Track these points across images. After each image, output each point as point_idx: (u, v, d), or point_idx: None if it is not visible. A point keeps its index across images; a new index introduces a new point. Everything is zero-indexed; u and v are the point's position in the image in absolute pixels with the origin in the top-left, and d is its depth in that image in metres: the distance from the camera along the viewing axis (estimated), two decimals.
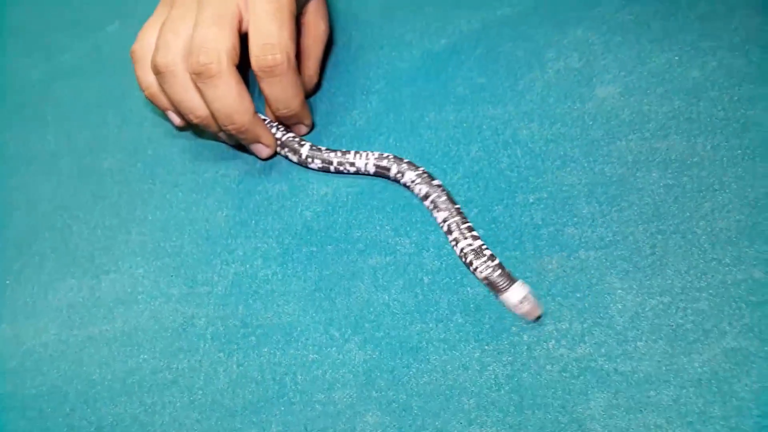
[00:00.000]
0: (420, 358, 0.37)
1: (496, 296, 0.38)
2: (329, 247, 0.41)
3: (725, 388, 0.34)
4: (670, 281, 0.37)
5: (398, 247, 0.41)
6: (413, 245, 0.41)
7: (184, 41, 0.41)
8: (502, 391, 0.35)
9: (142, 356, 0.39)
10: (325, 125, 0.46)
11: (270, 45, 0.40)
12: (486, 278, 0.38)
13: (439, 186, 0.42)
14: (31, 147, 0.49)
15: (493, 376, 0.36)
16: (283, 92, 0.42)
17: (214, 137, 0.46)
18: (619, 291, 0.37)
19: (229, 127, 0.42)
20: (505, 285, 0.38)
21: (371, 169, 0.43)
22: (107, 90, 0.51)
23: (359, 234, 0.42)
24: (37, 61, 0.53)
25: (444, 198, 0.41)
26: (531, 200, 0.41)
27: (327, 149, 0.44)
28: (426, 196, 0.42)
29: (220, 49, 0.40)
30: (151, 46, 0.44)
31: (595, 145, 0.43)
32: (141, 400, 0.38)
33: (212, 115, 0.42)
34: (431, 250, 0.40)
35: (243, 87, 0.41)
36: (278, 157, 0.46)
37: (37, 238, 0.45)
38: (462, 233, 0.40)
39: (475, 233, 0.40)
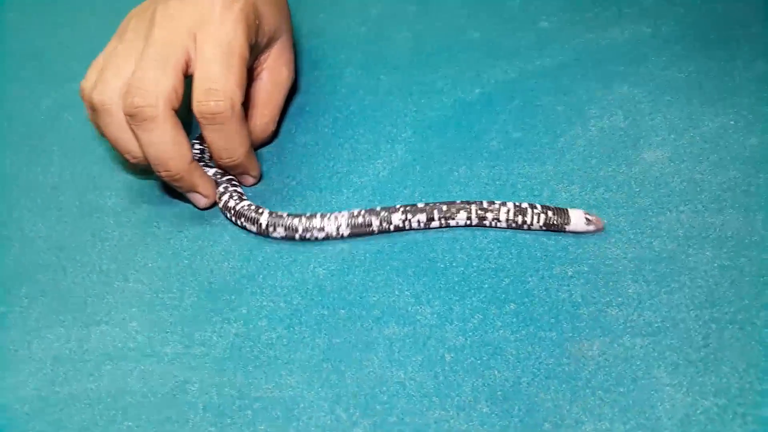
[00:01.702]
0: None
1: (561, 231, 0.36)
2: (342, 311, 0.35)
3: None
4: (726, 380, 0.30)
5: (418, 317, 0.34)
6: (435, 316, 0.34)
7: (123, 79, 0.37)
8: None
9: (126, 423, 0.32)
10: (345, 174, 0.40)
11: (214, 90, 0.36)
12: (544, 224, 0.36)
13: (430, 204, 0.37)
14: (33, 178, 0.42)
15: None
16: (225, 140, 0.37)
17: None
18: (668, 388, 0.30)
19: (162, 174, 0.37)
20: (566, 220, 0.36)
21: (345, 232, 0.37)
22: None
23: (376, 298, 0.35)
24: (49, 89, 0.47)
25: (445, 207, 0.37)
26: (570, 273, 0.34)
27: (290, 215, 0.37)
28: (430, 219, 0.37)
29: (158, 92, 0.36)
30: (93, 77, 0.38)
31: (642, 214, 0.36)
32: None
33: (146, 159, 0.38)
34: (455, 323, 0.34)
35: (180, 133, 0.37)
36: (294, 207, 0.39)
37: (28, 279, 0.38)
38: (493, 211, 0.36)
39: (501, 201, 0.37)
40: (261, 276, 0.37)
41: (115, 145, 0.38)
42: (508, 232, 0.36)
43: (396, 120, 0.42)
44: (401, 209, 0.37)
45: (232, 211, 0.38)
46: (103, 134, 0.39)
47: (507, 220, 0.36)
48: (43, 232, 0.40)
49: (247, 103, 0.41)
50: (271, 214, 0.38)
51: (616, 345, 0.32)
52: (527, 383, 0.31)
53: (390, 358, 0.33)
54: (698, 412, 0.30)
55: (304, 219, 0.37)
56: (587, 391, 0.31)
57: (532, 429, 0.30)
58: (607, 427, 0.30)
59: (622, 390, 0.31)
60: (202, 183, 0.39)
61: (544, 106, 0.41)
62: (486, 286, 0.35)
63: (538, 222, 0.36)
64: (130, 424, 0.32)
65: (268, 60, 0.42)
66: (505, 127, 0.41)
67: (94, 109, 0.38)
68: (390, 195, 0.39)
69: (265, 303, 0.36)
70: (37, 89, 0.48)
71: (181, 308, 0.36)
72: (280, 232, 0.37)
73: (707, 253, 0.34)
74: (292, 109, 0.44)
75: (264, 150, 0.42)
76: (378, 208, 0.37)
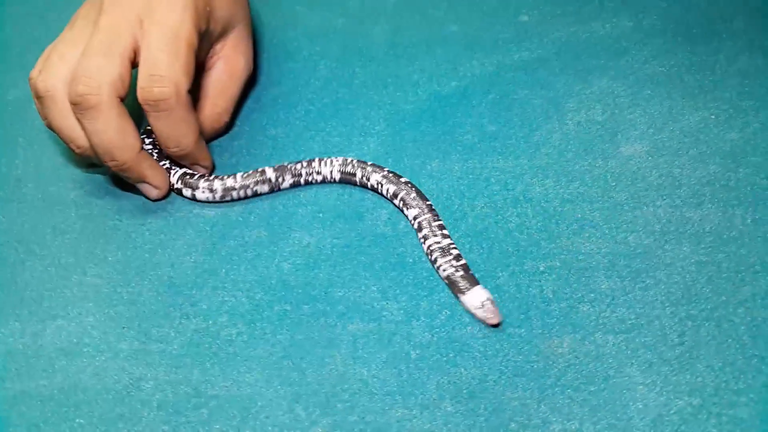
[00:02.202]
0: None
1: (456, 297, 0.33)
2: (305, 306, 0.34)
3: None
4: (701, 379, 0.29)
5: (384, 313, 0.33)
6: (402, 312, 0.33)
7: (69, 66, 0.36)
8: None
9: (77, 420, 0.31)
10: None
11: (158, 77, 0.35)
12: (448, 277, 0.33)
13: (407, 183, 0.36)
14: None
15: None
16: (171, 129, 0.36)
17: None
18: (641, 387, 0.29)
19: (109, 164, 0.36)
20: (465, 286, 0.32)
21: (337, 176, 0.38)
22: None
23: (341, 294, 0.34)
24: (15, 80, 0.46)
25: (414, 195, 0.36)
26: (541, 268, 0.33)
27: (291, 163, 0.38)
28: (395, 195, 0.36)
29: (103, 80, 0.35)
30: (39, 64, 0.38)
31: (618, 209, 0.35)
32: None
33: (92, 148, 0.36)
34: (422, 319, 0.32)
35: (126, 121, 0.36)
36: (260, 201, 0.38)
37: None
38: (432, 230, 0.35)
39: (445, 231, 0.35)
40: (223, 270, 0.35)
41: (59, 133, 0.37)
42: (481, 226, 0.35)
43: (369, 113, 0.41)
44: (386, 170, 0.37)
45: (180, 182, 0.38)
46: (47, 124, 0.38)
47: (429, 247, 0.34)
48: (4, 225, 0.39)
49: (199, 93, 0.40)
50: (273, 169, 0.38)
51: (587, 342, 0.31)
52: (494, 381, 0.30)
53: (353, 355, 0.32)
54: (672, 411, 0.28)
55: (305, 163, 0.38)
56: (556, 389, 0.29)
57: (498, 428, 0.29)
58: (576, 427, 0.28)
59: (592, 389, 0.29)
60: (152, 173, 0.37)
61: (521, 99, 0.40)
62: None
63: (443, 271, 0.33)
64: (81, 421, 0.31)
65: (224, 49, 0.41)
66: (480, 120, 0.40)
67: (38, 97, 0.37)
68: (361, 189, 0.38)
69: (226, 298, 0.34)
70: (2, 81, 0.47)
71: (139, 303, 0.35)
72: (288, 179, 0.38)
73: (684, 248, 0.33)
74: (264, 100, 0.43)
75: (234, 142, 0.41)
76: (368, 164, 0.37)
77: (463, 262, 0.33)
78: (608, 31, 0.43)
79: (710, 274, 0.32)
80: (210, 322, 0.33)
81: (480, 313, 0.32)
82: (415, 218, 0.35)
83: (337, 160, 0.38)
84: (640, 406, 0.29)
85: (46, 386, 0.32)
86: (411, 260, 0.34)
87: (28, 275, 0.37)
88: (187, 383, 0.32)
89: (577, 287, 0.32)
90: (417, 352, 0.31)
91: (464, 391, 0.30)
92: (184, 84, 0.36)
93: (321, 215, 0.37)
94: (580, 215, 0.35)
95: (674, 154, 0.37)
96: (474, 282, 0.33)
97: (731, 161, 0.36)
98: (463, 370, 0.31)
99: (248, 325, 0.33)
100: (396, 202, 0.36)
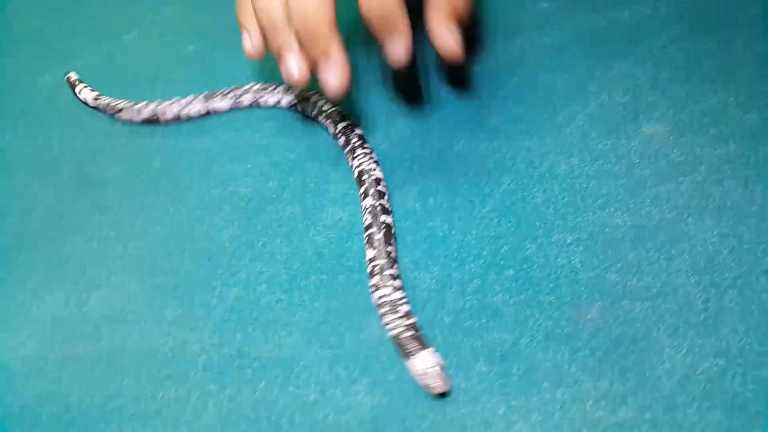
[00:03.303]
0: (436, 409, 0.31)
1: (403, 360, 0.32)
2: (341, 276, 0.35)
3: None
4: (725, 342, 0.31)
5: (417, 282, 0.35)
6: (434, 281, 0.35)
7: None
8: None
9: (126, 380, 0.33)
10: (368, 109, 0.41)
11: None
12: (395, 337, 0.32)
13: (386, 225, 0.36)
14: (33, 152, 0.43)
15: None
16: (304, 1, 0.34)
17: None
18: (667, 349, 0.31)
19: (301, 36, 0.35)
20: (412, 349, 0.31)
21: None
22: (118, 98, 0.45)
23: None
24: (48, 67, 0.48)
25: (380, 236, 0.35)
26: (569, 241, 0.35)
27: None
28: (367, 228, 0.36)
29: None
30: None
31: (641, 185, 0.37)
32: (120, 430, 0.32)
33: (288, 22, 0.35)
34: (454, 287, 0.34)
35: None
36: (293, 178, 0.40)
37: (27, 246, 0.39)
38: (383, 280, 0.34)
39: (397, 283, 0.34)
40: (260, 243, 0.37)
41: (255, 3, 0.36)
42: (509, 202, 0.37)
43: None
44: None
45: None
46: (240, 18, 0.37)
47: (378, 298, 0.34)
48: (43, 202, 0.41)
49: None
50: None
51: (615, 309, 0.33)
52: (525, 344, 0.32)
53: None
54: (698, 372, 0.30)
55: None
56: (586, 352, 0.31)
57: (531, 387, 0.31)
58: (606, 386, 0.30)
59: (621, 351, 0.31)
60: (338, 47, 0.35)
61: (544, 82, 0.42)
62: (485, 252, 0.35)
63: (391, 330, 0.33)
64: (130, 381, 0.33)
65: None
66: (504, 102, 0.42)
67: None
68: (389, 167, 0.40)
69: (264, 269, 0.36)
70: (35, 67, 0.49)
71: (180, 273, 0.37)
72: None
73: (707, 221, 0.35)
74: None
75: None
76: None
77: (412, 321, 0.33)
78: (626, 18, 0.45)
79: (732, 245, 0.34)
80: (250, 290, 0.35)
81: (425, 379, 0.31)
82: (370, 260, 0.35)
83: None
84: (668, 367, 0.31)
85: (93, 350, 0.34)
86: (441, 234, 0.36)
87: (69, 248, 0.39)
88: (230, 346, 0.34)
89: (604, 258, 0.34)
90: (450, 318, 0.33)
91: (497, 354, 0.32)
92: None
93: (352, 192, 0.39)
94: (605, 191, 0.37)
95: (695, 133, 0.39)
96: (423, 345, 0.32)
97: (750, 140, 0.38)
98: (495, 334, 0.32)
99: (286, 294, 0.35)
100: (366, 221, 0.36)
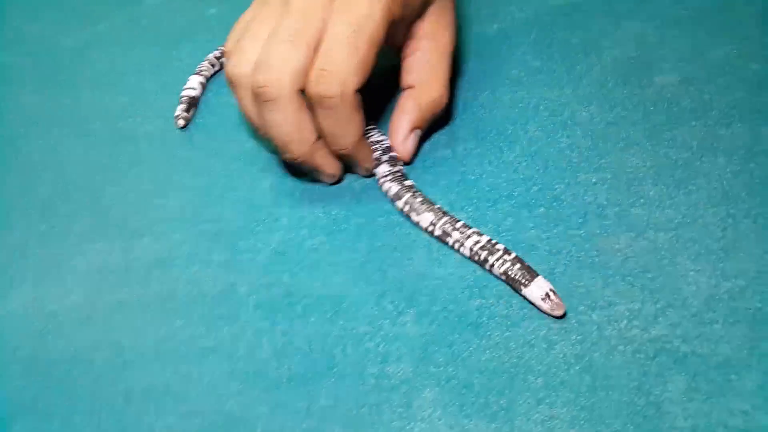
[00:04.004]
0: (480, 334, 0.33)
1: (518, 291, 0.34)
2: (380, 219, 0.38)
3: None
4: (744, 265, 0.34)
5: None
6: (470, 220, 0.37)
7: (258, 51, 0.35)
8: (572, 371, 0.32)
9: (178, 322, 0.35)
10: (373, 102, 0.43)
11: (327, 72, 0.34)
12: (505, 273, 0.34)
13: (411, 187, 0.38)
14: (62, 110, 0.45)
15: (561, 355, 0.32)
16: (333, 126, 0.36)
17: None
18: (692, 273, 0.34)
19: (284, 156, 0.37)
20: (527, 279, 0.34)
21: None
22: (144, 59, 0.47)
23: None
24: (71, 30, 0.50)
25: (421, 198, 0.37)
26: (594, 180, 0.38)
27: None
28: (398, 197, 0.38)
29: (285, 72, 0.34)
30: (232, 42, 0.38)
31: (657, 129, 0.40)
32: (175, 369, 0.34)
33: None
34: (489, 225, 0.37)
35: (304, 115, 0.36)
36: None
37: (65, 199, 0.41)
38: (462, 233, 0.36)
39: (474, 229, 0.36)
40: (299, 192, 0.39)
41: (248, 119, 0.37)
42: (535, 147, 0.40)
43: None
44: (398, 168, 0.39)
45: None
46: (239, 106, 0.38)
47: (471, 249, 0.35)
48: (77, 158, 0.42)
49: (411, 81, 0.39)
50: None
51: (641, 239, 0.35)
52: (560, 273, 0.35)
53: (429, 258, 0.36)
54: (721, 291, 0.33)
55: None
56: (617, 278, 0.34)
57: (568, 311, 0.33)
58: (638, 307, 0.33)
59: (649, 276, 0.34)
60: (326, 162, 0.38)
61: (560, 39, 0.45)
62: (516, 193, 0.38)
63: (499, 268, 0.34)
64: (182, 323, 0.35)
65: (425, 25, 0.39)
66: (524, 57, 0.44)
67: (229, 83, 0.37)
68: None
69: (305, 215, 0.38)
70: (58, 30, 0.50)
71: (223, 221, 0.39)
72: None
73: (720, 160, 0.38)
74: None
75: None
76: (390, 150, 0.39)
77: (514, 254, 0.34)
78: None
79: (744, 180, 0.37)
80: (293, 234, 0.38)
81: (547, 304, 0.33)
82: (432, 224, 0.36)
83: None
84: (694, 289, 0.33)
85: (142, 295, 0.36)
86: (473, 177, 0.39)
87: (108, 201, 0.40)
88: (279, 285, 0.36)
89: (627, 195, 0.37)
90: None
91: None
92: (353, 83, 0.35)
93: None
94: (624, 135, 0.40)
95: (703, 82, 0.42)
96: (533, 273, 0.34)
97: (756, 88, 0.41)
98: (531, 265, 0.35)
99: (329, 236, 0.37)
100: (400, 204, 0.37)
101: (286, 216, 0.38)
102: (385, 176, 0.38)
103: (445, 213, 0.37)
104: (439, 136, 0.41)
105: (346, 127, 0.36)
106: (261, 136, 0.38)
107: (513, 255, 0.35)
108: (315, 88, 0.35)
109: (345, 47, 0.34)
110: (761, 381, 0.30)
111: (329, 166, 0.38)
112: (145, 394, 0.33)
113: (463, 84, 0.43)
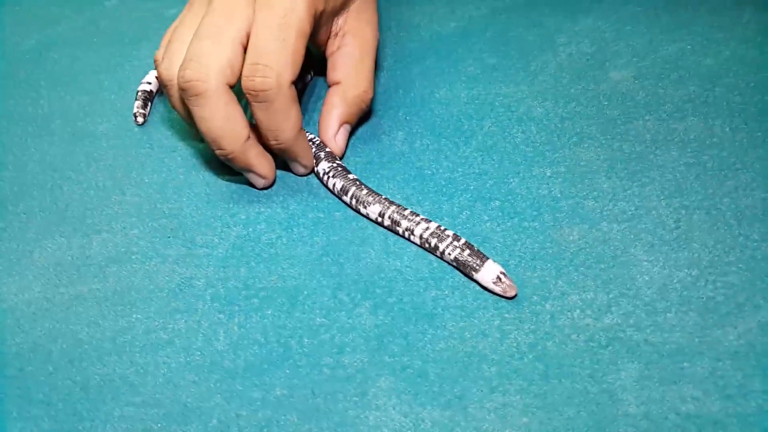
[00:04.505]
0: (436, 324, 0.33)
1: (469, 276, 0.34)
2: (337, 213, 0.37)
3: (765, 361, 0.30)
4: (697, 255, 0.34)
5: None
6: (426, 214, 0.37)
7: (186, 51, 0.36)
8: (526, 360, 0.31)
9: (135, 315, 0.34)
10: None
11: (261, 66, 0.34)
12: (455, 259, 0.34)
13: (356, 180, 0.37)
14: (21, 109, 0.44)
15: (515, 344, 0.32)
16: (271, 121, 0.36)
17: None
18: (645, 263, 0.34)
19: (216, 152, 0.36)
20: (477, 263, 0.33)
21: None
22: (103, 59, 0.47)
23: None
24: (29, 32, 0.49)
25: (366, 190, 0.37)
26: (548, 174, 0.38)
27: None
28: (344, 191, 0.37)
29: (211, 67, 0.34)
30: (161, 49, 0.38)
31: (611, 123, 0.40)
32: (132, 360, 0.33)
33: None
34: (445, 218, 0.36)
35: (234, 109, 0.35)
36: None
37: (24, 197, 0.40)
38: (410, 220, 0.35)
39: (421, 216, 0.35)
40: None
41: (186, 120, 0.38)
42: (490, 142, 0.39)
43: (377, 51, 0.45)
44: (336, 163, 0.38)
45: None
46: (172, 107, 0.38)
47: (421, 237, 0.35)
48: (37, 156, 0.41)
49: (336, 77, 0.39)
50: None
51: (594, 230, 0.35)
52: (515, 265, 0.34)
53: (386, 251, 0.35)
54: (674, 281, 0.33)
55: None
56: (570, 268, 0.34)
57: (522, 301, 0.33)
58: (591, 297, 0.33)
59: (603, 266, 0.34)
60: (259, 162, 0.37)
61: (517, 36, 0.45)
62: (472, 187, 0.38)
63: (450, 254, 0.34)
64: (139, 316, 0.34)
65: (348, 22, 0.40)
66: (480, 54, 0.44)
67: (163, 85, 0.37)
68: (376, 116, 0.42)
69: (262, 209, 0.38)
70: (17, 32, 0.49)
71: (180, 216, 0.38)
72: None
73: (673, 152, 0.38)
74: None
75: None
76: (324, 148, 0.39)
77: (463, 240, 0.34)
78: None
79: (697, 172, 0.37)
80: (250, 229, 0.37)
81: (499, 286, 0.33)
82: (381, 215, 0.36)
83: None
84: (647, 279, 0.33)
85: (99, 289, 0.35)
86: (429, 172, 0.39)
87: (67, 198, 0.39)
88: (236, 279, 0.35)
89: (581, 187, 0.37)
90: None
91: None
92: (288, 75, 0.35)
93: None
94: (578, 130, 0.39)
95: (657, 77, 0.42)
96: (483, 257, 0.33)
97: (708, 82, 0.41)
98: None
99: (286, 231, 0.37)
100: (347, 199, 0.37)
101: (244, 211, 0.38)
102: (328, 173, 0.38)
103: (392, 203, 0.36)
104: (396, 133, 0.41)
105: (284, 120, 0.36)
106: (195, 134, 0.38)
107: (462, 241, 0.34)
108: (250, 82, 0.34)
109: (274, 41, 0.34)
110: (712, 367, 0.30)
111: (262, 166, 0.37)
112: (101, 385, 0.32)
113: (421, 81, 0.43)
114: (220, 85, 0.35)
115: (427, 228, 0.35)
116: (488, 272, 0.33)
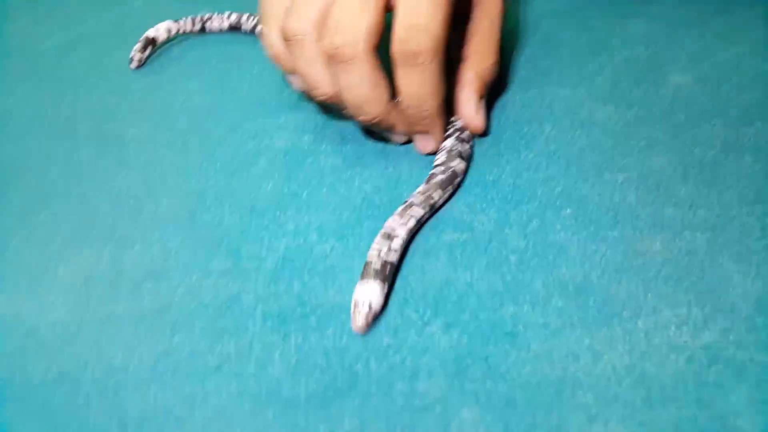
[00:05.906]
0: (518, 345, 0.28)
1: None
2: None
3: None
4: None
5: (475, 224, 0.32)
6: (492, 222, 0.32)
7: (319, 8, 0.31)
8: (624, 384, 0.26)
9: (176, 338, 0.29)
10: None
11: (417, 27, 0.30)
12: (367, 261, 0.29)
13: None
14: (44, 110, 0.39)
15: (610, 367, 0.27)
16: (420, 86, 0.32)
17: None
18: (736, 274, 0.29)
19: (359, 118, 0.33)
20: (365, 276, 0.29)
21: None
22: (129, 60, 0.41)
23: None
24: (52, 31, 0.43)
25: (442, 177, 0.32)
26: (620, 180, 0.33)
27: None
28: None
29: (359, 30, 0.30)
30: (283, 1, 0.33)
31: (679, 128, 0.35)
32: (176, 391, 0.27)
33: (342, 101, 0.33)
34: (514, 227, 0.32)
35: (380, 74, 0.31)
36: (330, 131, 0.36)
37: (47, 204, 0.34)
38: (402, 214, 0.31)
39: (412, 222, 0.31)
40: (305, 194, 0.34)
41: (303, 78, 0.33)
42: (553, 147, 0.35)
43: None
44: None
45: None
46: (282, 65, 0.34)
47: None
48: (60, 160, 0.36)
49: (467, 50, 0.36)
50: None
51: (677, 240, 0.31)
52: (597, 277, 0.29)
53: (453, 262, 0.30)
54: None
55: None
56: (659, 281, 0.29)
57: (611, 318, 0.28)
58: (685, 312, 0.28)
59: (692, 279, 0.29)
60: (400, 121, 0.34)
61: (568, 39, 0.41)
62: (539, 194, 0.33)
63: (369, 252, 0.30)
64: (181, 338, 0.29)
65: None
66: (531, 57, 0.40)
67: (286, 39, 0.32)
68: None
69: (313, 219, 0.33)
70: (38, 31, 0.44)
71: (223, 226, 0.33)
72: None
73: (746, 158, 0.34)
74: None
75: None
76: None
77: (393, 257, 0.30)
78: None
79: None
80: (301, 240, 0.32)
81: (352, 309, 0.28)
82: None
83: None
84: (740, 292, 0.29)
85: (134, 308, 0.30)
86: (492, 178, 0.34)
87: (94, 206, 0.34)
88: (289, 294, 0.30)
89: (657, 194, 0.32)
90: (515, 256, 0.30)
91: (570, 288, 0.29)
92: (444, 38, 0.31)
93: (392, 146, 0.36)
94: (645, 134, 0.35)
95: (718, 82, 0.37)
96: (377, 278, 0.29)
97: None
98: (564, 269, 0.30)
99: (340, 241, 0.32)
100: None
101: (292, 221, 0.32)
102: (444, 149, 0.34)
103: (428, 197, 0.32)
104: None
105: (434, 85, 0.32)
106: (319, 96, 0.33)
107: (392, 257, 0.29)
108: (406, 45, 0.30)
109: (429, 3, 0.30)
110: None
111: (402, 124, 0.34)
112: (141, 420, 0.26)
113: None
114: (369, 51, 0.31)
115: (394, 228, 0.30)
116: (362, 291, 0.28)
